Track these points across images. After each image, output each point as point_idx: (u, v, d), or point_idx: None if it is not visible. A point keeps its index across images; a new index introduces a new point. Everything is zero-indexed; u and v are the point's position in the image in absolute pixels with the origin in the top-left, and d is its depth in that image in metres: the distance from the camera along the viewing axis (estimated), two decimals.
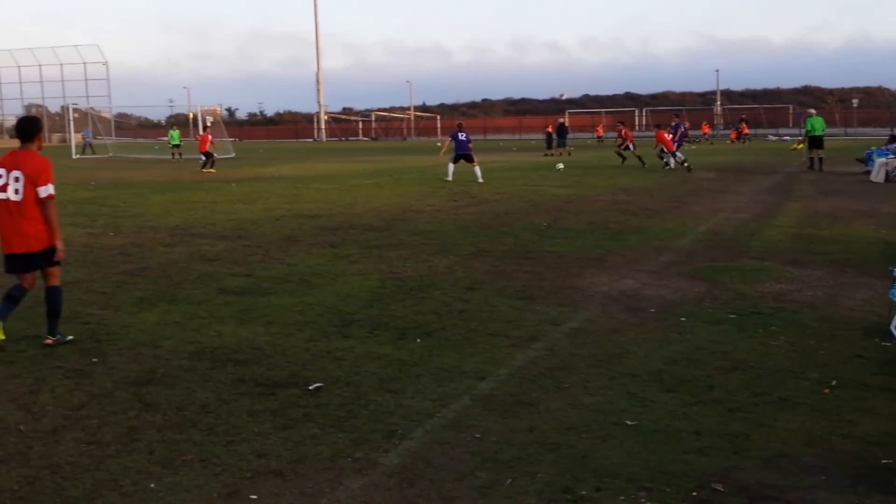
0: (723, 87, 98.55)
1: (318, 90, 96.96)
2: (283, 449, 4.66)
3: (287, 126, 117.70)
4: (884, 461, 4.42)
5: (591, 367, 6.08)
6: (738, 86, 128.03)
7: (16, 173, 6.77)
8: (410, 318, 7.68)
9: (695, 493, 4.06)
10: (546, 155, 42.79)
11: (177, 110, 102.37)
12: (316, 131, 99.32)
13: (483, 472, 4.33)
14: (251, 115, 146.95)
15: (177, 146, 44.18)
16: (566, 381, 5.76)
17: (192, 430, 4.94)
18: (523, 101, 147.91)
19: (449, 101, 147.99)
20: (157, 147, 51.71)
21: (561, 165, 31.02)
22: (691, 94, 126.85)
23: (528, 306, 8.08)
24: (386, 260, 10.87)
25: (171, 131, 46.71)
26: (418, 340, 6.88)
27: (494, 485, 4.18)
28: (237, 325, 7.44)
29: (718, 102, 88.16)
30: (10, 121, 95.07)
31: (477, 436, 4.82)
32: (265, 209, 17.52)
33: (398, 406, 5.32)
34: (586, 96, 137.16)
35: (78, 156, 48.68)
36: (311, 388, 5.68)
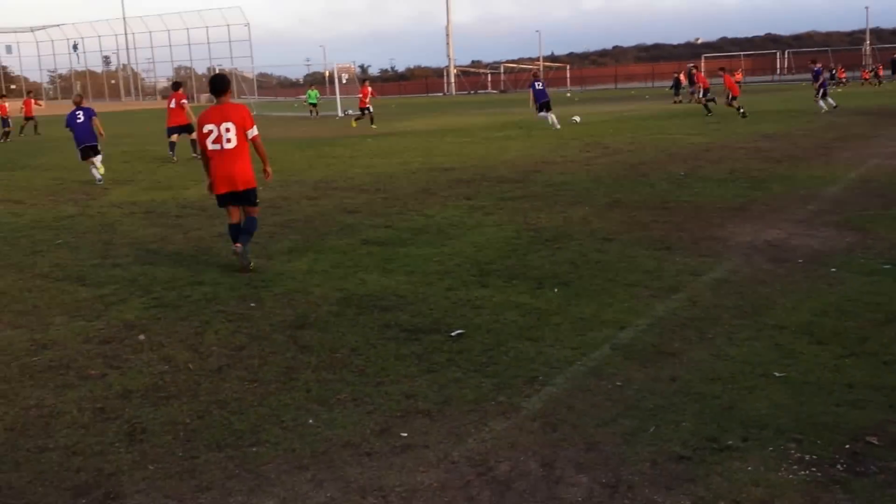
0: (872, 24, 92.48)
1: (448, 44, 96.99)
2: (429, 391, 4.84)
3: (417, 81, 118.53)
4: None
5: (735, 319, 5.97)
6: (889, 23, 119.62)
7: (226, 125, 7.90)
8: (547, 268, 7.73)
9: (847, 446, 3.96)
10: (675, 102, 41.58)
11: (313, 69, 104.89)
12: (445, 85, 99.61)
13: (626, 419, 4.37)
14: (383, 72, 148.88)
15: (314, 105, 45.59)
16: (709, 332, 5.68)
17: (344, 371, 5.19)
18: (656, 46, 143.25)
19: (578, 49, 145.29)
20: (296, 105, 53.19)
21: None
22: (838, 33, 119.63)
23: (667, 257, 7.97)
24: (520, 211, 10.91)
25: (309, 91, 48.28)
26: (556, 290, 6.93)
27: (638, 431, 4.21)
28: (380, 274, 7.70)
29: (867, 42, 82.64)
30: (162, 82, 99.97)
31: (618, 384, 4.85)
32: (401, 163, 17.85)
33: (538, 353, 5.41)
34: (724, 39, 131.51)
35: None
36: (453, 334, 5.84)
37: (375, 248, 8.92)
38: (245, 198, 8.06)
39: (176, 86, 22.22)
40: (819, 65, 30.81)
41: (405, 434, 4.27)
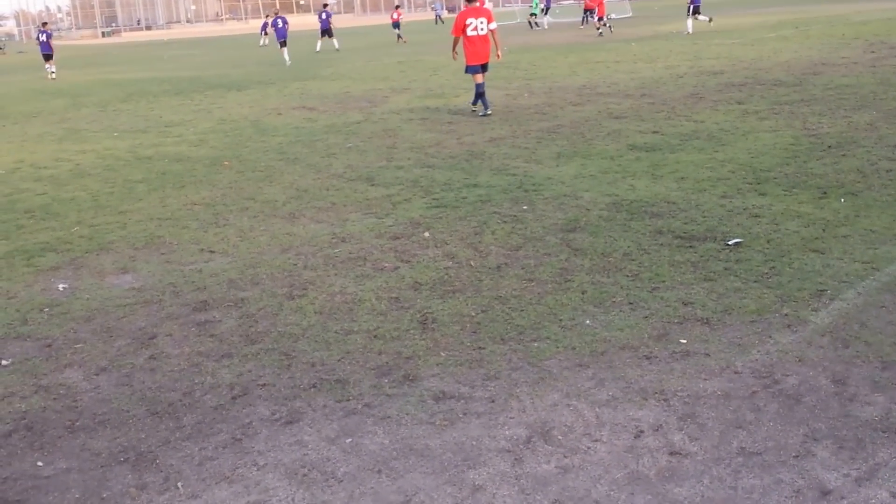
0: None
1: None
2: (707, 299, 4.79)
3: None
4: None
5: None
6: None
7: (481, 19, 12.29)
8: (831, 176, 7.27)
9: None
10: None
11: None
12: None
13: None
14: None
15: (533, 14, 42.18)
16: None
17: (617, 275, 5.26)
18: None
19: None
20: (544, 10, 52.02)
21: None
22: None
23: None
24: (798, 116, 10.28)
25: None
26: (842, 200, 6.53)
27: None
28: (650, 180, 7.61)
29: None
30: None
31: None
32: (666, 67, 17.23)
33: (825, 266, 5.16)
34: None
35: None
36: (730, 243, 5.70)
37: (643, 153, 8.79)
38: (486, 66, 12.49)
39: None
40: None
41: (684, 340, 4.29)
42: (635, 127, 10.41)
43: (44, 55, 27.75)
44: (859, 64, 15.17)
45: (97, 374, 4.35)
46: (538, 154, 9.21)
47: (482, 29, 12.20)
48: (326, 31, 32.94)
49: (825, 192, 6.78)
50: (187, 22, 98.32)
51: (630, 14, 45.42)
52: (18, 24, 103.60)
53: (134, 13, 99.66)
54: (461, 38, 12.38)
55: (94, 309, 5.30)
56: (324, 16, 33.60)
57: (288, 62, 26.69)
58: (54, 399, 4.10)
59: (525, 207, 6.99)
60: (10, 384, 4.29)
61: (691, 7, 28.56)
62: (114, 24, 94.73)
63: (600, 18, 31.21)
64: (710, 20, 29.67)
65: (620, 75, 16.43)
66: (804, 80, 13.49)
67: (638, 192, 7.21)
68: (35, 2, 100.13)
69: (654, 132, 9.95)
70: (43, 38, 27.85)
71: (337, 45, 33.11)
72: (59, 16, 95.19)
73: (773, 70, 15.26)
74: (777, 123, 9.91)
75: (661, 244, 5.80)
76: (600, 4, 31.40)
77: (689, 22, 28.27)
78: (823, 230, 5.84)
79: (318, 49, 33.14)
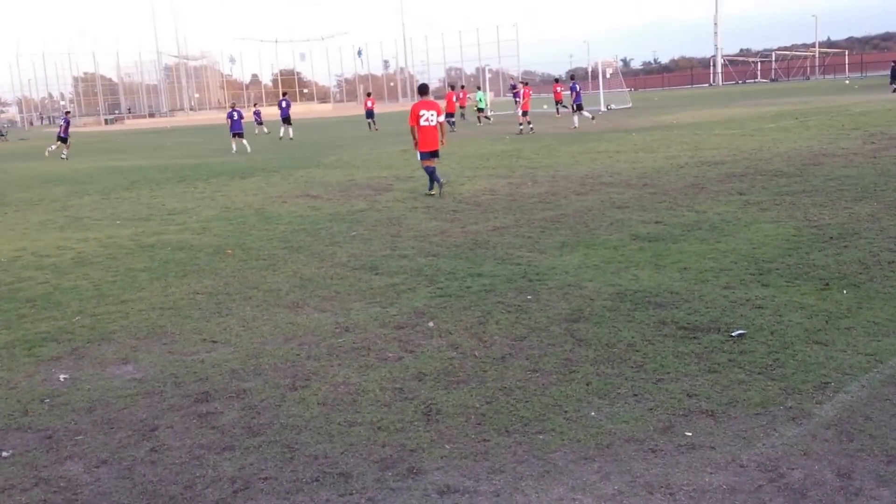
0: None
1: (716, 33, 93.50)
2: (711, 391, 4.78)
3: (682, 73, 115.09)
4: None
5: None
6: None
7: (432, 111, 14.08)
8: (833, 268, 7.31)
9: None
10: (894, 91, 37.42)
11: (575, 64, 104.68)
12: (711, 76, 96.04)
13: None
14: (645, 64, 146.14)
15: (481, 110, 39.66)
16: None
17: (622, 366, 5.26)
18: None
19: (858, 33, 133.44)
20: (545, 107, 53.01)
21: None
22: None
23: None
24: (800, 207, 10.38)
25: (478, 93, 41.29)
26: (844, 292, 6.54)
27: None
28: (653, 271, 7.65)
29: None
30: (434, 83, 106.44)
31: None
32: (667, 157, 17.50)
33: (828, 358, 5.16)
34: None
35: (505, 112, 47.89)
36: (733, 334, 5.71)
37: (646, 243, 8.86)
38: (437, 153, 14.15)
39: (452, 87, 31.89)
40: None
41: (689, 433, 4.27)
42: (638, 217, 10.52)
43: (61, 137, 32.47)
44: (859, 155, 15.38)
45: (98, 467, 4.31)
46: (542, 243, 9.29)
47: (433, 120, 13.97)
48: (286, 119, 35.94)
49: (827, 284, 6.80)
50: (191, 109, 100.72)
51: (629, 105, 46.36)
52: (21, 111, 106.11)
53: (137, 101, 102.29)
54: (416, 127, 14.04)
55: (94, 400, 5.28)
56: (283, 104, 36.72)
57: (234, 151, 28.83)
58: (55, 492, 4.06)
59: (529, 297, 7.02)
60: (11, 476, 4.25)
61: (574, 105, 30.28)
62: (117, 112, 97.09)
63: (524, 113, 29.12)
64: (593, 118, 30.88)
65: (622, 165, 16.69)
66: (805, 171, 13.67)
67: (641, 283, 7.24)
68: (38, 89, 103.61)
69: (657, 222, 10.05)
70: (62, 122, 33.76)
71: (291, 135, 35.66)
72: (62, 103, 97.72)
73: (773, 160, 15.48)
74: (778, 214, 10.01)
75: (665, 335, 5.80)
76: (527, 98, 29.62)
77: (576, 118, 29.89)
78: (826, 322, 5.85)
79: (280, 135, 35.94)
